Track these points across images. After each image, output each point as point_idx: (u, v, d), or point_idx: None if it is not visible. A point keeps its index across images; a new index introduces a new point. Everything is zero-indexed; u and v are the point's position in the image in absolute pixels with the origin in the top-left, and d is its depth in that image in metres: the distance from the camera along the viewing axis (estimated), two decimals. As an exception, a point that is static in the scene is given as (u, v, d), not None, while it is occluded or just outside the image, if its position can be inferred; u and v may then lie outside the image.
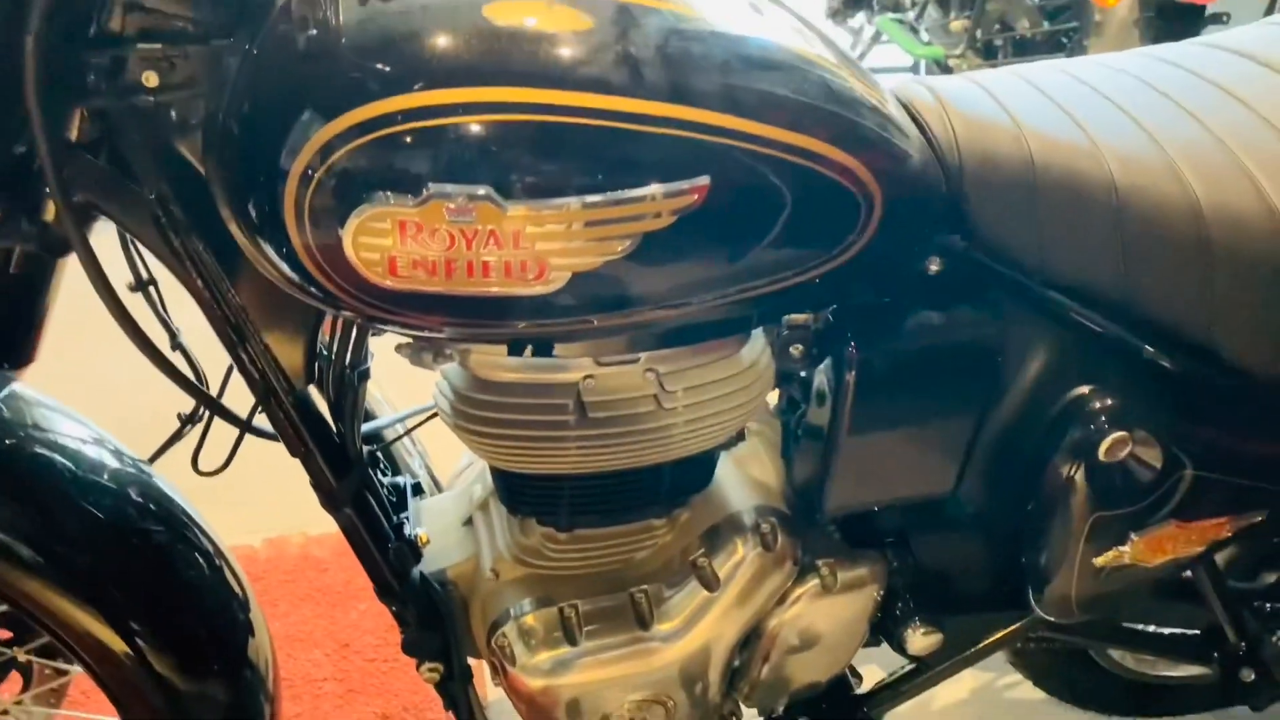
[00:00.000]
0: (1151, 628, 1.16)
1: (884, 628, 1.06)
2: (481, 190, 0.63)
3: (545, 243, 0.65)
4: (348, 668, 1.52)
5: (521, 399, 0.81)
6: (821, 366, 0.91)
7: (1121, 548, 0.91)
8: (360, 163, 0.64)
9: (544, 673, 0.93)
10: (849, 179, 0.75)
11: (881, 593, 1.01)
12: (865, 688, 1.14)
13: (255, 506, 1.78)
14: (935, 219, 0.85)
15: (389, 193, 0.64)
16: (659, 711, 0.98)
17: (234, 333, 0.79)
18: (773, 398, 1.03)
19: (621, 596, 0.96)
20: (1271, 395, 0.89)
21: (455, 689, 1.02)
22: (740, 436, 0.94)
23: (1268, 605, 1.11)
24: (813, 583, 0.98)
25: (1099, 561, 0.92)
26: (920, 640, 1.03)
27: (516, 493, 0.91)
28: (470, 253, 0.65)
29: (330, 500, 0.88)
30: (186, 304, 0.82)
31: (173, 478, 1.02)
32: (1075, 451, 0.89)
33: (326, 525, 1.72)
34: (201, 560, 1.00)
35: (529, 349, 0.80)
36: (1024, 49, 2.48)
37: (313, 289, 0.70)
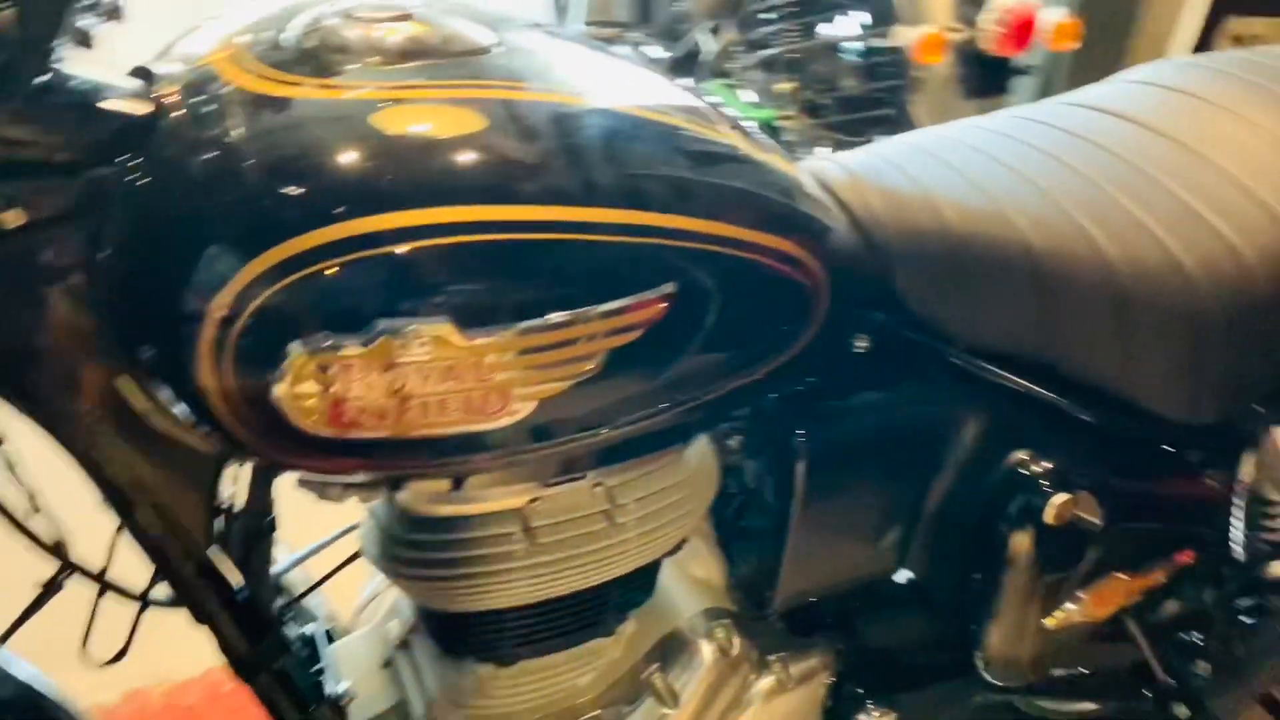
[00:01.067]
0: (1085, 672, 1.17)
1: (837, 716, 1.03)
2: (437, 321, 0.56)
3: (509, 371, 0.59)
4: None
5: (464, 534, 0.74)
6: (754, 459, 0.88)
7: (1071, 606, 0.91)
8: (292, 301, 0.56)
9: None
10: (797, 269, 0.72)
11: (832, 679, 0.98)
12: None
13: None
14: (863, 294, 0.83)
15: (329, 333, 0.56)
16: (624, 845, 0.91)
17: (123, 498, 0.68)
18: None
19: (574, 730, 0.88)
20: (1189, 440, 0.92)
21: None
22: (684, 541, 0.90)
23: (1187, 637, 1.15)
24: (767, 681, 0.93)
25: (1050, 623, 0.92)
26: (878, 730, 1.00)
27: (454, 633, 0.83)
28: (426, 391, 0.58)
29: (245, 668, 0.77)
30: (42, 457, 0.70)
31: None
32: (1020, 518, 0.88)
33: (190, 670, 1.57)
34: None
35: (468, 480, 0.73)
36: (849, 107, 2.57)
37: (229, 441, 0.61)
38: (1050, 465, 0.88)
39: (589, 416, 0.65)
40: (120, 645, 0.77)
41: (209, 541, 0.73)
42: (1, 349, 0.61)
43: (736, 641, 0.90)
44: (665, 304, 0.62)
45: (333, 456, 0.61)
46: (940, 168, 0.92)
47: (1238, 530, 1.09)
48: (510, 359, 0.59)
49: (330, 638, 0.93)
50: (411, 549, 0.74)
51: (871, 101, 2.53)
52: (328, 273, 0.55)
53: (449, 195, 0.57)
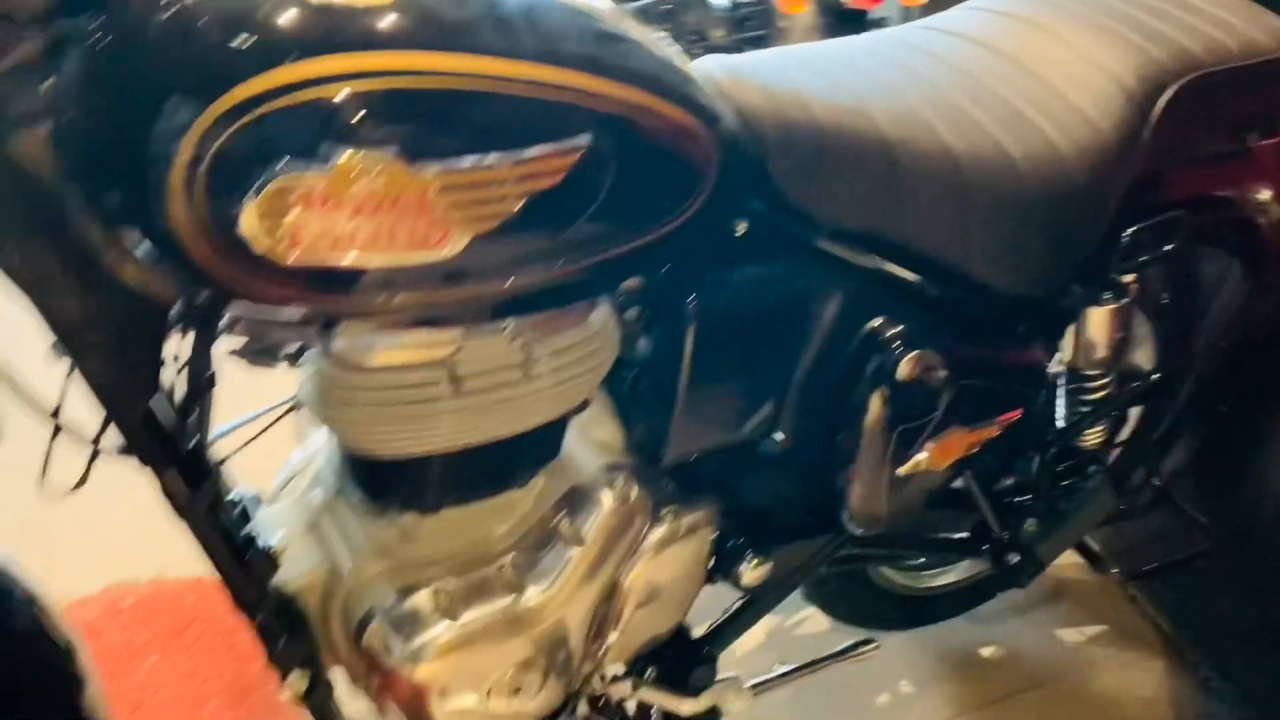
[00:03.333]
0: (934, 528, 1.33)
1: (719, 567, 1.16)
2: (383, 153, 0.65)
3: (448, 204, 0.68)
4: (145, 728, 1.41)
5: (395, 380, 0.82)
6: (648, 331, 0.99)
7: (919, 456, 1.06)
8: (250, 140, 0.63)
9: (424, 657, 0.94)
10: (693, 144, 0.83)
11: (715, 534, 1.10)
12: (700, 632, 1.22)
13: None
14: (743, 181, 0.95)
15: (285, 166, 0.64)
16: (534, 678, 1.01)
17: (74, 343, 0.74)
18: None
19: (489, 569, 0.98)
20: (1019, 312, 1.07)
21: (319, 700, 1.00)
22: (586, 403, 1.00)
23: (1017, 500, 1.32)
24: (659, 530, 1.04)
25: (902, 471, 1.06)
26: (752, 572, 1.13)
27: (381, 481, 0.91)
28: (376, 220, 0.66)
29: (187, 513, 0.84)
30: None
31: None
32: (876, 376, 1.02)
33: (87, 588, 1.59)
34: (17, 609, 0.91)
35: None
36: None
37: (192, 275, 0.68)
38: (901, 328, 1.02)
39: (511, 260, 0.75)
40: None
41: (154, 390, 0.80)
42: None
43: (633, 491, 1.00)
44: (578, 155, 0.72)
45: (288, 286, 0.69)
46: (810, 73, 1.04)
47: (1058, 398, 1.27)
48: (448, 194, 0.67)
49: (259, 505, 1.00)
50: (347, 393, 0.82)
51: (738, 49, 2.67)
52: (278, 112, 0.63)
53: (381, 41, 0.66)
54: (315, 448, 1.05)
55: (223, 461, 0.90)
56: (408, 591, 0.95)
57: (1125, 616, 1.77)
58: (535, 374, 0.87)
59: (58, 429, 0.79)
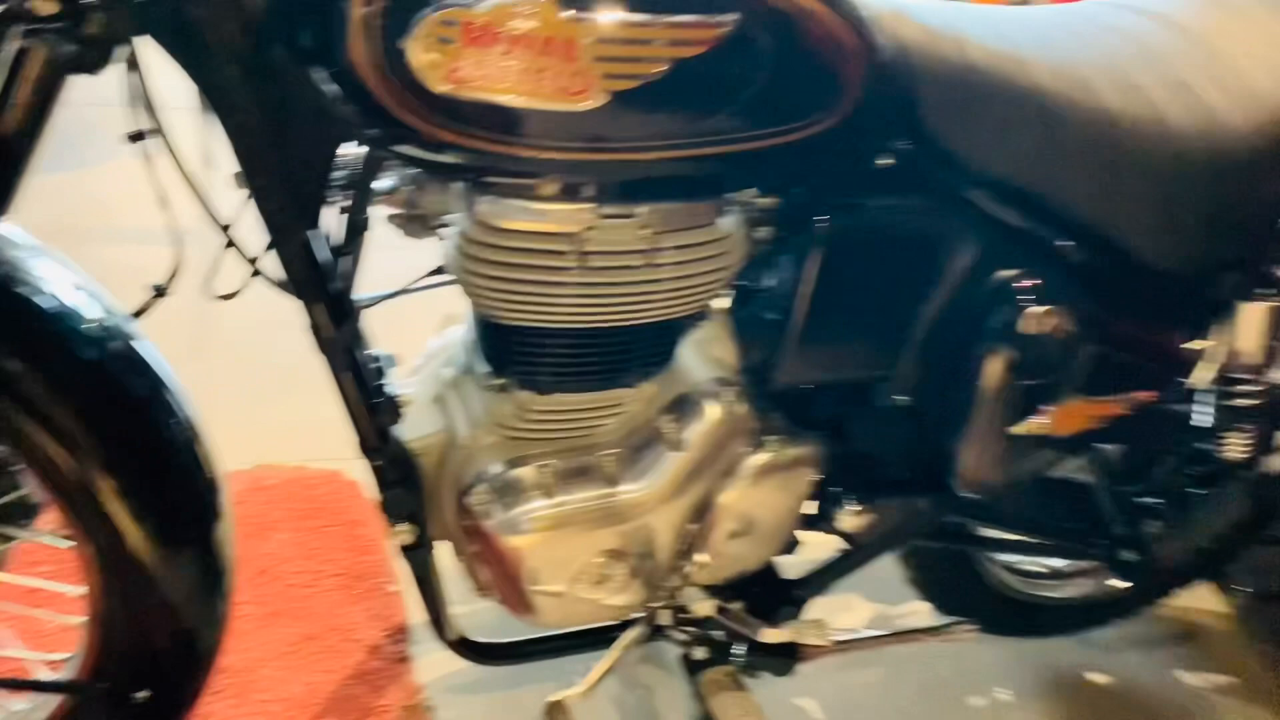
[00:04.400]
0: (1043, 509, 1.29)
1: (819, 510, 1.16)
2: None
3: (594, 55, 0.73)
4: (266, 593, 1.51)
5: (528, 245, 0.87)
6: (782, 255, 1.01)
7: (1037, 419, 1.04)
8: None
9: (520, 527, 0.99)
10: (843, 55, 0.86)
11: (818, 475, 1.11)
12: (792, 576, 1.23)
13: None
14: (891, 115, 0.96)
15: (449, 4, 0.70)
16: (621, 567, 1.05)
17: (253, 165, 0.83)
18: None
19: (591, 458, 1.02)
20: (1163, 284, 1.04)
21: (420, 558, 1.06)
22: (704, 315, 1.03)
23: (1144, 500, 1.27)
24: (761, 457, 1.06)
25: (1017, 430, 1.04)
26: (851, 519, 1.14)
27: (504, 350, 0.97)
28: (527, 60, 0.72)
29: (328, 346, 0.91)
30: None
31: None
32: (1002, 328, 1.01)
33: (237, 463, 1.72)
34: (177, 429, 1.01)
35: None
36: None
37: (369, 115, 0.76)
38: (1034, 283, 1.00)
39: (647, 129, 0.79)
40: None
41: (313, 224, 0.88)
42: (180, 25, 0.76)
43: (739, 409, 1.03)
44: (726, 31, 0.76)
45: (445, 123, 0.76)
46: (970, 22, 1.04)
47: (1201, 398, 1.21)
48: (595, 44, 0.73)
49: (394, 366, 1.08)
50: (482, 252, 0.88)
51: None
52: None
53: None
54: (452, 336, 1.12)
55: (366, 306, 0.97)
56: (515, 464, 1.01)
57: (1252, 669, 1.66)
58: (658, 263, 0.91)
59: (230, 243, 0.88)
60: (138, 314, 0.98)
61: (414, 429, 1.04)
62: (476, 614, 1.30)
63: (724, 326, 1.10)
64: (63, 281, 0.93)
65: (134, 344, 0.96)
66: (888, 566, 1.48)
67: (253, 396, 1.88)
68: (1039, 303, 0.99)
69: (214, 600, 1.05)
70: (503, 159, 0.81)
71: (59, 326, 0.91)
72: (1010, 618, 1.59)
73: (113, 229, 2.31)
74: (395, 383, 1.04)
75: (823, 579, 1.22)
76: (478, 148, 0.79)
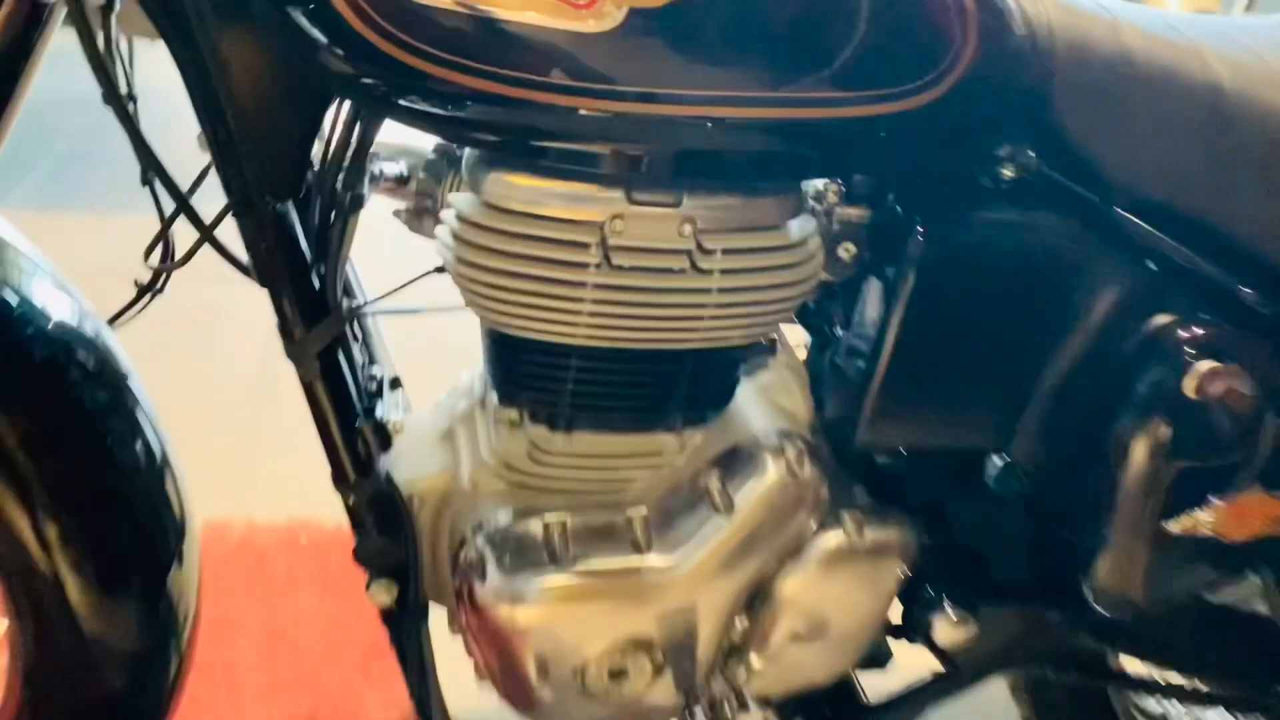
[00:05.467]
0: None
1: (908, 616, 0.93)
2: None
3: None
4: (276, 659, 1.35)
5: (538, 231, 0.70)
6: (869, 282, 0.81)
7: (1200, 513, 0.79)
8: None
9: (518, 595, 0.79)
10: (948, 13, 0.67)
11: (908, 568, 0.88)
12: (873, 700, 0.99)
13: (197, 485, 1.63)
14: (1017, 104, 0.76)
15: None
16: (644, 664, 0.83)
17: (227, 128, 0.69)
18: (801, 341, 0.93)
19: (617, 516, 0.82)
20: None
21: (406, 625, 0.87)
22: (771, 350, 0.83)
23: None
24: (834, 537, 0.84)
25: (1173, 527, 0.80)
26: (949, 630, 0.90)
27: (514, 374, 0.79)
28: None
29: (295, 348, 0.75)
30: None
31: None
32: (1155, 390, 0.77)
33: (273, 513, 1.58)
34: (142, 453, 0.87)
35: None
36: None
37: (358, 57, 0.63)
38: (1199, 333, 0.77)
39: (676, 67, 0.61)
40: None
41: (296, 190, 0.73)
42: None
43: (808, 466, 0.81)
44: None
45: (441, 57, 0.61)
46: (1139, 11, 0.84)
47: None
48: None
49: (399, 387, 0.91)
50: (482, 238, 0.70)
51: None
52: None
53: None
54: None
55: (356, 310, 0.81)
56: (520, 515, 0.82)
57: None
58: (704, 269, 0.72)
59: (183, 209, 0.73)
60: (114, 320, 0.85)
61: (410, 467, 0.86)
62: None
63: (796, 371, 0.90)
64: (31, 273, 0.81)
65: (105, 352, 0.83)
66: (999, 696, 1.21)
67: (300, 442, 1.75)
68: (1208, 359, 0.76)
69: (159, 661, 0.89)
70: (498, 109, 0.64)
71: (11, 326, 0.79)
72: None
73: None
74: (392, 408, 0.86)
75: (910, 705, 0.97)
76: (467, 86, 0.63)
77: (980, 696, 1.01)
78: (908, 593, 0.90)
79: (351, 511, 0.82)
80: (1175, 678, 1.00)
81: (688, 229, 0.71)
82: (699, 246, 0.72)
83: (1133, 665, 1.02)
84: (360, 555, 0.82)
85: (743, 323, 0.76)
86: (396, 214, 0.83)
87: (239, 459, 1.64)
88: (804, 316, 0.97)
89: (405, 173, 0.83)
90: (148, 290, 0.85)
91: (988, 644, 0.91)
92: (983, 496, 0.90)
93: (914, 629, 0.93)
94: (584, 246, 0.70)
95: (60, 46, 0.78)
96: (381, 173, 0.83)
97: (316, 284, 0.76)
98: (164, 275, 0.84)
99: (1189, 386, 0.76)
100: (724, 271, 0.73)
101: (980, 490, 0.89)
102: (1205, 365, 0.75)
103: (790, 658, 0.89)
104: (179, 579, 0.92)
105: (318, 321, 0.75)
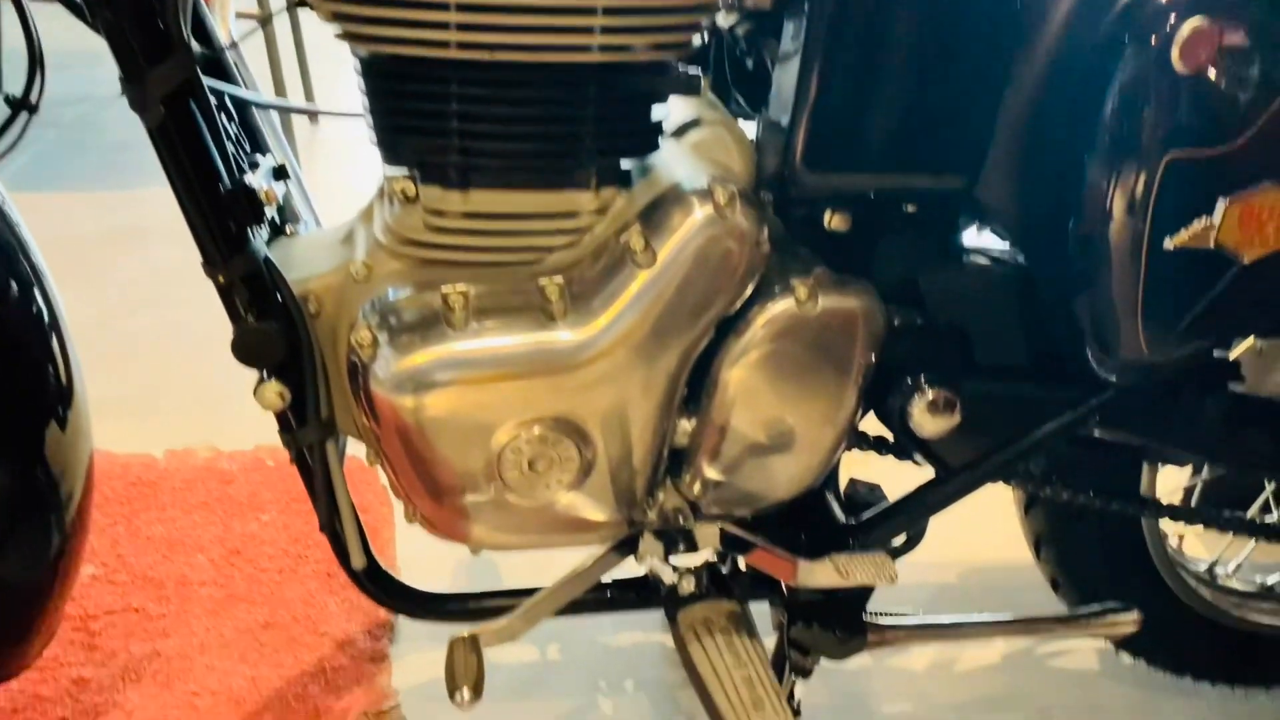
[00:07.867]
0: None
1: (885, 410, 0.81)
2: None
3: None
4: (232, 574, 1.25)
5: None
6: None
7: (1208, 217, 0.67)
8: None
9: (414, 373, 0.68)
10: None
11: (876, 348, 0.75)
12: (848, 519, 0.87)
13: (163, 417, 1.55)
14: None
15: None
16: (570, 454, 0.72)
17: None
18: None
19: (526, 287, 0.71)
20: None
21: (305, 441, 0.77)
22: (694, 86, 0.71)
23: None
24: (784, 303, 0.72)
25: (1176, 240, 0.67)
26: (931, 417, 0.78)
27: (392, 113, 0.69)
28: None
29: (135, 93, 0.66)
30: None
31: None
32: (1138, 65, 0.65)
33: (240, 443, 1.49)
34: (18, 303, 0.78)
35: None
36: None
37: None
38: (1186, -7, 0.65)
39: None
40: None
41: None
42: None
43: (741, 210, 0.69)
44: None
45: None
46: None
47: None
48: None
49: (285, 176, 0.82)
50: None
51: None
52: None
53: None
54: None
55: (210, 56, 0.72)
56: (417, 290, 0.71)
57: None
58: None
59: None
60: None
61: (305, 268, 0.76)
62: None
63: (733, 130, 0.79)
64: None
65: None
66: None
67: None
68: (1198, 15, 0.64)
69: (35, 535, 0.80)
70: None
71: None
72: (1205, 652, 1.13)
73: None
74: (267, 182, 0.76)
75: (894, 520, 0.85)
76: None
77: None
78: (883, 384, 0.79)
79: (224, 294, 0.72)
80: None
81: None
82: None
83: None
84: (238, 348, 0.72)
85: (640, 23, 0.65)
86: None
87: (203, 391, 1.57)
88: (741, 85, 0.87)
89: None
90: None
91: (978, 431, 0.79)
92: (953, 243, 0.78)
93: (891, 422, 0.81)
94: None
95: (61, 46, 0.72)
96: None
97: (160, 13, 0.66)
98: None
99: (1177, 53, 0.63)
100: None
101: (948, 235, 0.78)
102: (1191, 25, 0.63)
103: (744, 460, 0.77)
104: (60, 448, 0.83)
105: (160, 59, 0.66)
